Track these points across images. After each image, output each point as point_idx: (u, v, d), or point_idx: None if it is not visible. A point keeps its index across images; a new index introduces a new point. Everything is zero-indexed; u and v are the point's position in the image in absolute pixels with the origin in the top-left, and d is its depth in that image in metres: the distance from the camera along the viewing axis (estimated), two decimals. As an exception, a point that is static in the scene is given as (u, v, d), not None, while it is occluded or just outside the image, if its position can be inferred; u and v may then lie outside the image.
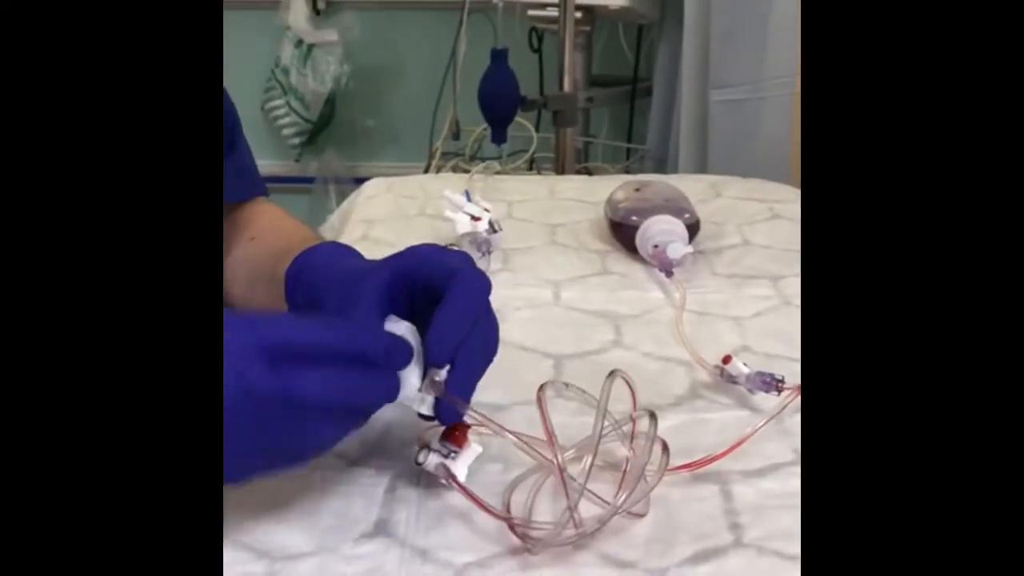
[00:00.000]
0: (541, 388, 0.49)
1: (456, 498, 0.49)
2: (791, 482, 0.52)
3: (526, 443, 0.49)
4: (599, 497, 0.48)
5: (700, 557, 0.46)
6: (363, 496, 0.50)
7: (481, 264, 0.79)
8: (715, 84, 1.45)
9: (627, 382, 0.53)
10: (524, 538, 0.46)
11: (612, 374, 0.50)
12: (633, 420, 0.52)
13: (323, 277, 0.56)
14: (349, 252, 0.59)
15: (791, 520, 0.49)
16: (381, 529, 0.48)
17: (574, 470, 0.47)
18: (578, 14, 1.53)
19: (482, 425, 0.49)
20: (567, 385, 0.56)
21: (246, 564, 0.45)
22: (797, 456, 0.54)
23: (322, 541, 0.47)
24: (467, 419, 0.49)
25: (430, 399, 0.49)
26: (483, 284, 0.51)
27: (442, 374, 0.48)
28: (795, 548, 0.46)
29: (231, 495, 0.50)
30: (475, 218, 0.82)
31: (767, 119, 1.41)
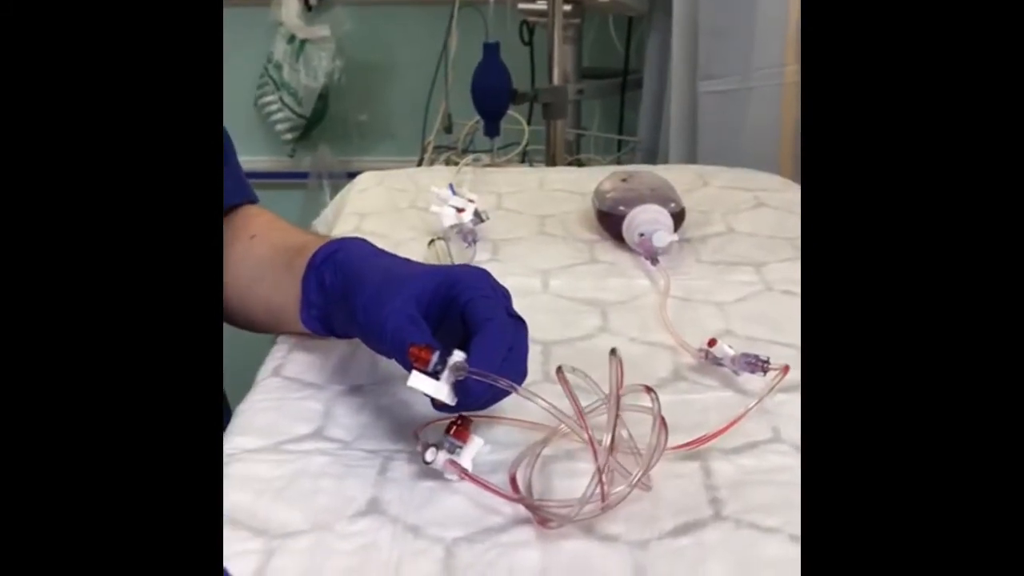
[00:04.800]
0: (559, 370, 0.51)
1: (444, 478, 0.51)
2: (769, 459, 0.54)
3: (559, 417, 0.51)
4: (624, 467, 0.50)
5: (680, 530, 0.48)
6: (356, 477, 0.52)
7: (467, 253, 0.81)
8: (704, 75, 1.46)
9: (620, 362, 0.54)
10: (543, 518, 0.48)
11: (613, 352, 0.52)
12: (619, 396, 0.53)
13: (361, 263, 0.60)
14: (379, 248, 0.63)
15: (768, 494, 0.51)
16: (374, 507, 0.50)
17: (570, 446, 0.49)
18: (567, 7, 1.54)
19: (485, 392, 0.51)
20: (574, 369, 0.57)
21: (244, 541, 0.47)
22: (775, 434, 0.56)
23: (317, 519, 0.49)
24: (498, 385, 0.50)
25: (448, 386, 0.51)
26: (509, 334, 0.54)
27: (461, 356, 0.51)
28: (771, 521, 0.48)
29: (231, 478, 0.52)
30: (460, 210, 0.84)
31: (755, 109, 1.42)
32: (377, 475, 0.53)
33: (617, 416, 0.49)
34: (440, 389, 0.51)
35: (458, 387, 0.51)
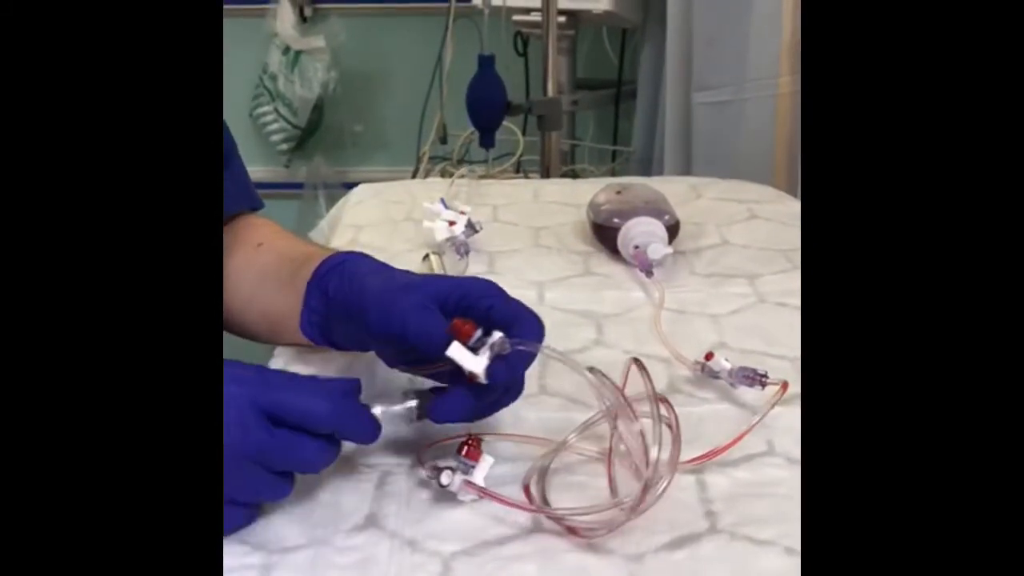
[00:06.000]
0: (591, 369, 0.53)
1: (442, 491, 0.51)
2: (764, 472, 0.54)
3: (616, 406, 0.52)
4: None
5: (676, 544, 0.49)
6: (354, 491, 0.53)
7: (459, 265, 0.81)
8: (698, 86, 1.47)
9: (641, 368, 0.55)
10: (572, 527, 0.48)
11: (637, 361, 0.53)
12: (629, 404, 0.54)
13: (369, 274, 0.60)
14: (385, 264, 0.63)
15: (762, 507, 0.51)
16: (372, 522, 0.50)
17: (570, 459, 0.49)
18: (562, 19, 1.55)
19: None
20: (591, 369, 0.58)
21: (243, 556, 0.47)
22: (770, 448, 0.56)
23: (315, 534, 0.49)
24: (543, 352, 0.52)
25: (484, 360, 0.51)
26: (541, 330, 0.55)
27: (500, 335, 0.51)
28: (766, 534, 0.49)
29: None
30: (452, 223, 0.85)
31: (749, 120, 1.42)
32: (375, 489, 0.53)
33: (660, 421, 0.50)
34: (478, 363, 0.51)
35: (496, 362, 0.51)
